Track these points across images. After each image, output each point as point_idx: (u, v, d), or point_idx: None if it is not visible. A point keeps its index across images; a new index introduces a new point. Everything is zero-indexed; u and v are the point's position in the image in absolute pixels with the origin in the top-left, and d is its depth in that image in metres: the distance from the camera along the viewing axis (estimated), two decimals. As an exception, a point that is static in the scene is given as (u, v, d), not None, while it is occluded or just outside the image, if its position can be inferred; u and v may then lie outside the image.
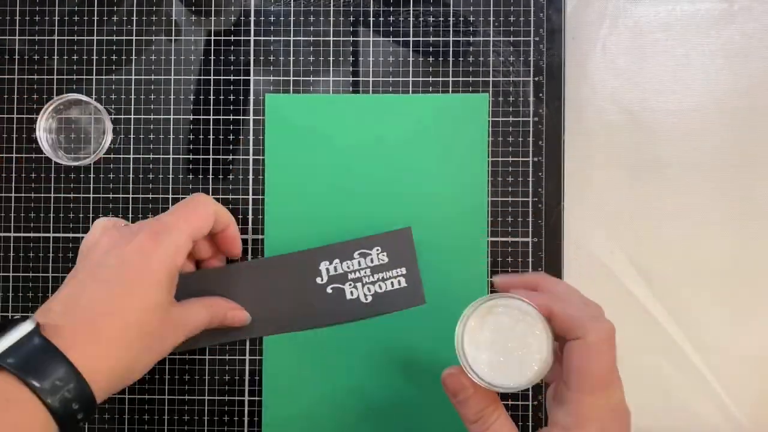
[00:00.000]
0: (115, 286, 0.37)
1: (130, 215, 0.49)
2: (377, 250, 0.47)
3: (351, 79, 0.49)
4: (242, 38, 0.50)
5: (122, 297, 0.37)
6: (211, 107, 0.49)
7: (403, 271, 0.47)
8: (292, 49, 0.49)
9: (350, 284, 0.47)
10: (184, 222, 0.40)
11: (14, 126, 0.49)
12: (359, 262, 0.47)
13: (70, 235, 0.49)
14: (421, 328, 0.48)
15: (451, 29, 0.49)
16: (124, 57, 0.50)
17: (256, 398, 0.48)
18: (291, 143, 0.49)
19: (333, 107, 0.49)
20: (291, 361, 0.48)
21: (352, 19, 0.49)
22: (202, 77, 0.49)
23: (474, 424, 0.35)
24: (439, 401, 0.48)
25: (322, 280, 0.47)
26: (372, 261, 0.47)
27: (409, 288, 0.47)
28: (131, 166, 0.49)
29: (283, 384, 0.48)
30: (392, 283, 0.47)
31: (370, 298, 0.47)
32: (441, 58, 0.49)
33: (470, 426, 0.35)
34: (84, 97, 0.48)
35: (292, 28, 0.50)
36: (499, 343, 0.34)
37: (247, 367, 0.48)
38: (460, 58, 0.49)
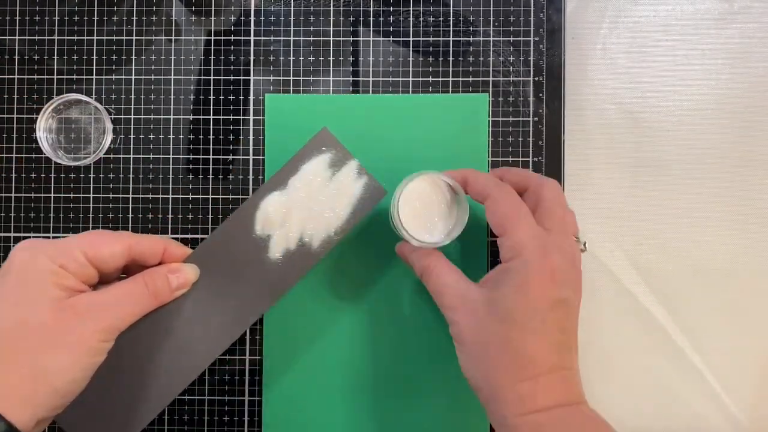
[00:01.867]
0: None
1: (130, 215, 0.49)
2: (309, 163, 0.41)
3: (351, 79, 0.49)
4: (242, 38, 0.50)
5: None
6: (211, 107, 0.49)
7: (348, 166, 0.41)
8: (292, 49, 0.49)
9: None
10: (77, 238, 0.37)
11: (14, 126, 0.49)
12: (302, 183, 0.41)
13: (70, 235, 0.49)
14: (424, 327, 0.48)
15: (451, 29, 0.49)
16: (124, 57, 0.50)
17: (256, 398, 0.48)
18: (291, 143, 0.49)
19: (333, 107, 0.49)
20: (290, 359, 0.48)
21: (352, 19, 0.49)
22: (202, 77, 0.49)
23: (422, 277, 0.41)
24: (447, 398, 0.48)
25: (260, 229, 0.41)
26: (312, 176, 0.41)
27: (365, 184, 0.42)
28: (131, 166, 0.49)
29: (283, 383, 0.48)
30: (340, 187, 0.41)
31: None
32: (441, 58, 0.49)
33: (422, 280, 0.41)
34: (84, 97, 0.48)
35: (292, 28, 0.50)
36: (424, 210, 0.41)
37: (247, 367, 0.48)
38: (460, 58, 0.49)
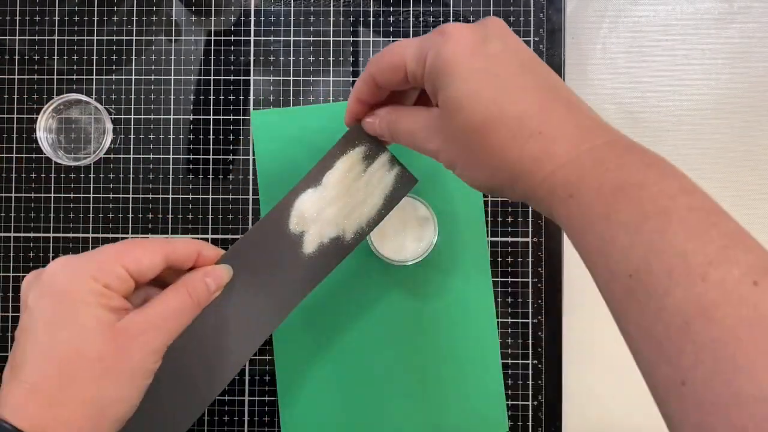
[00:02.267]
0: (35, 328, 0.32)
1: (130, 215, 0.49)
2: (343, 160, 0.40)
3: (351, 79, 0.49)
4: (242, 38, 0.50)
5: (44, 337, 0.32)
6: (211, 107, 0.49)
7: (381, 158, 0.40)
8: (292, 49, 0.49)
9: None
10: (113, 249, 0.34)
11: (14, 126, 0.49)
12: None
13: (70, 235, 0.49)
14: (430, 327, 0.48)
15: (451, 29, 0.49)
16: (124, 57, 0.50)
17: (256, 398, 0.48)
18: (281, 156, 0.49)
19: (319, 117, 0.49)
20: (303, 358, 0.48)
21: (352, 19, 0.49)
22: (202, 77, 0.49)
23: (393, 138, 0.37)
24: (456, 398, 0.48)
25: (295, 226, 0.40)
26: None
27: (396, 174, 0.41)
28: (131, 166, 0.49)
29: (298, 383, 0.48)
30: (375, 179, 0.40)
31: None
32: (441, 58, 0.49)
33: (394, 140, 0.37)
34: (84, 97, 0.48)
35: (292, 28, 0.50)
36: (394, 230, 0.46)
37: (247, 367, 0.48)
38: (460, 58, 0.49)
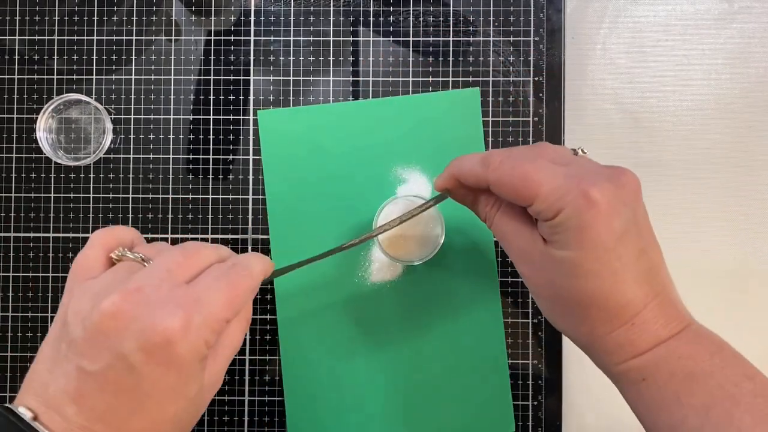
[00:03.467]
0: (144, 398, 0.29)
1: (130, 215, 0.49)
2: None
3: (351, 79, 0.49)
4: (242, 38, 0.50)
5: (153, 408, 0.29)
6: (211, 107, 0.49)
7: None
8: (292, 49, 0.49)
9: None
10: (222, 298, 0.31)
11: (14, 126, 0.49)
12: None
13: (70, 235, 0.49)
14: (436, 326, 0.48)
15: (451, 29, 0.49)
16: (124, 57, 0.50)
17: (256, 398, 0.48)
18: (288, 155, 0.49)
19: (326, 117, 0.49)
20: (308, 359, 0.48)
21: (352, 19, 0.49)
22: (202, 77, 0.49)
23: (485, 221, 0.37)
24: (462, 398, 0.48)
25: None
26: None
27: None
28: (131, 166, 0.49)
29: (303, 383, 0.48)
30: None
31: None
32: (441, 58, 0.49)
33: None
34: (84, 97, 0.48)
35: (292, 28, 0.50)
36: (401, 231, 0.46)
37: (247, 367, 0.48)
38: (460, 58, 0.49)
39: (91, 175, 0.49)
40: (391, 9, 0.49)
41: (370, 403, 0.48)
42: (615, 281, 0.31)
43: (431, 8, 0.49)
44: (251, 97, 0.49)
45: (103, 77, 0.49)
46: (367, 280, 0.48)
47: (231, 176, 0.49)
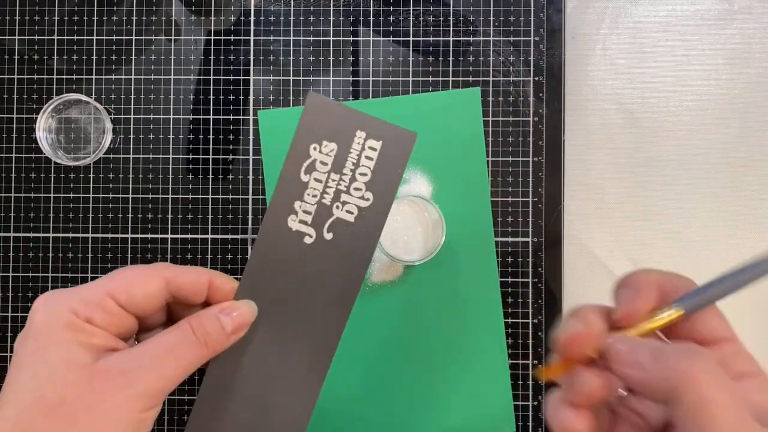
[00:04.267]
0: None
1: (130, 215, 0.49)
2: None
3: (351, 79, 0.49)
4: (242, 38, 0.50)
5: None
6: (211, 107, 0.49)
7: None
8: (292, 49, 0.49)
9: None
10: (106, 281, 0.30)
11: (14, 126, 0.49)
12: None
13: (70, 235, 0.49)
14: (437, 326, 0.48)
15: (451, 29, 0.49)
16: (124, 57, 0.50)
17: (256, 398, 0.48)
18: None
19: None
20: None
21: (352, 19, 0.49)
22: (202, 77, 0.49)
23: (671, 392, 0.25)
24: (463, 398, 0.48)
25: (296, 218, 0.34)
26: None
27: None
28: (131, 166, 0.49)
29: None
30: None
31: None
32: (441, 58, 0.49)
33: (667, 393, 0.25)
34: (84, 97, 0.48)
35: (292, 28, 0.50)
36: (403, 231, 0.45)
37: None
38: (460, 58, 0.49)
39: (91, 175, 0.49)
40: (391, 9, 0.49)
41: (370, 403, 0.48)
42: None
43: (431, 8, 0.49)
44: (251, 97, 0.49)
45: (103, 77, 0.49)
46: (367, 280, 0.48)
47: (231, 176, 0.49)
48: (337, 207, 0.34)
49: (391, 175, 0.34)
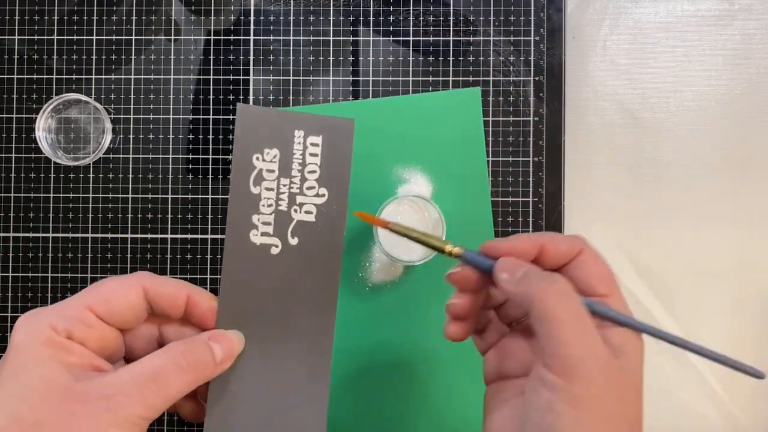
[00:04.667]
0: None
1: (130, 215, 0.49)
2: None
3: (351, 78, 0.49)
4: (242, 38, 0.49)
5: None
6: (211, 107, 0.49)
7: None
8: (292, 49, 0.49)
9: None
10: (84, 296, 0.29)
11: (14, 126, 0.49)
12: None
13: (70, 235, 0.49)
14: (436, 327, 0.48)
15: (451, 29, 0.49)
16: (124, 57, 0.50)
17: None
18: None
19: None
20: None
21: (352, 19, 0.49)
22: (202, 77, 0.49)
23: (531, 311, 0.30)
24: (461, 397, 0.48)
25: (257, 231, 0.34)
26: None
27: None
28: (131, 166, 0.49)
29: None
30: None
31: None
32: (441, 58, 0.49)
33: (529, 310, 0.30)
34: (84, 97, 0.48)
35: (292, 28, 0.50)
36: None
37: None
38: (461, 58, 0.49)
39: (91, 175, 0.49)
40: (391, 9, 0.49)
41: (369, 403, 0.48)
42: None
43: (431, 8, 0.49)
44: (251, 97, 0.49)
45: (103, 77, 0.49)
46: (367, 280, 0.48)
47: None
48: (295, 210, 0.33)
49: (340, 165, 0.34)
